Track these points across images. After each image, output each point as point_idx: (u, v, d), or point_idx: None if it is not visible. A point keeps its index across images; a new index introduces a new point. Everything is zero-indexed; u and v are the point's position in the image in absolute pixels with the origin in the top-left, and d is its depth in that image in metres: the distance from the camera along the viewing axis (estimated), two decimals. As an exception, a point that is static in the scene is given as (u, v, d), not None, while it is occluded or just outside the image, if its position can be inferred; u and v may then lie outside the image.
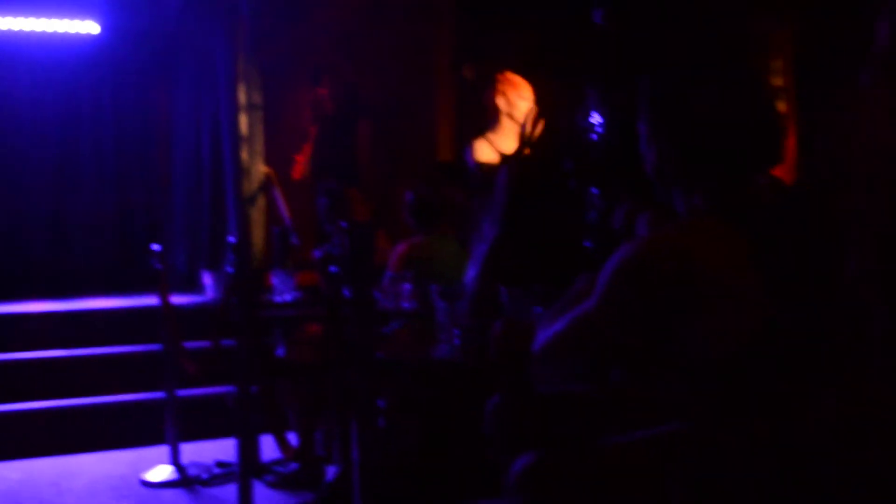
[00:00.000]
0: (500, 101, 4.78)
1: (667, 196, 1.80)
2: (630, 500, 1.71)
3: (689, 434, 1.68)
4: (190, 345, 4.57)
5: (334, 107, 6.82)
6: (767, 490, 1.59)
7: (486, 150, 4.84)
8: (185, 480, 4.27)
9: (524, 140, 3.65)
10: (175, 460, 4.40)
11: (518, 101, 4.76)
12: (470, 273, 3.10)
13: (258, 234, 6.21)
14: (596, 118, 2.90)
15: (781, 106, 5.87)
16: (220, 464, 4.41)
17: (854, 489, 1.63)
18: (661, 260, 1.61)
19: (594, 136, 2.93)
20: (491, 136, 4.82)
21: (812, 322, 1.63)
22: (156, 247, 4.66)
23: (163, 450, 4.52)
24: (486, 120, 4.87)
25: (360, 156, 6.76)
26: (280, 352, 4.34)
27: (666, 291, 1.60)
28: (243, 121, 6.67)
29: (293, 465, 4.09)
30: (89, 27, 7.59)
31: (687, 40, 3.40)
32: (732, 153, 1.70)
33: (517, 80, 4.84)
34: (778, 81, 5.84)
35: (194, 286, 7.18)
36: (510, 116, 4.74)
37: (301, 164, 6.99)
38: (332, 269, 3.33)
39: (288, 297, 4.06)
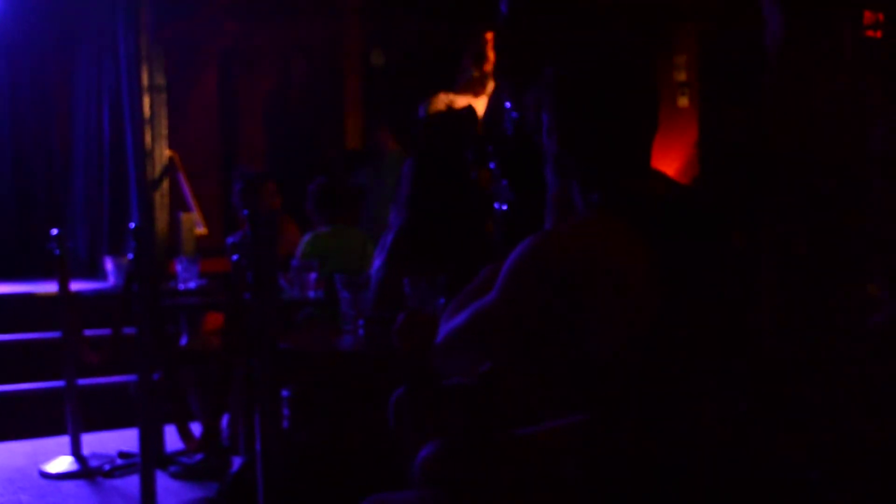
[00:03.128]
0: (476, 62, 4.64)
1: (567, 187, 1.83)
2: (530, 490, 1.74)
3: (585, 427, 1.71)
4: (91, 332, 4.48)
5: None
6: (659, 485, 1.63)
7: (441, 104, 4.74)
8: (86, 472, 4.18)
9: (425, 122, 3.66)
10: (76, 451, 4.32)
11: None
12: (375, 263, 3.11)
13: (162, 220, 6.11)
14: (509, 109, 2.93)
15: (684, 101, 6.02)
16: (122, 454, 4.34)
17: (740, 485, 1.68)
18: (557, 255, 1.64)
19: (508, 127, 2.95)
20: (452, 94, 4.72)
21: (703, 318, 1.67)
22: (54, 231, 4.54)
23: (63, 440, 4.43)
24: (456, 78, 4.77)
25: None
26: (183, 340, 4.29)
27: (562, 287, 1.63)
28: (146, 102, 6.56)
29: (197, 456, 4.05)
30: (-17, 0, 7.32)
31: (587, 31, 3.46)
32: (623, 139, 1.74)
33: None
34: (682, 77, 5.99)
35: (96, 272, 7.02)
36: (480, 77, 4.64)
37: None
38: (235, 257, 3.30)
39: (192, 284, 4.01)
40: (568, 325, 1.65)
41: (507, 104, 2.96)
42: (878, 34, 3.77)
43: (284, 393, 3.06)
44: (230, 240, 4.98)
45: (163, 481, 3.91)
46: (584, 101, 1.76)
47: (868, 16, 3.78)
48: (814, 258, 2.80)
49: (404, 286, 2.26)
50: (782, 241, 2.86)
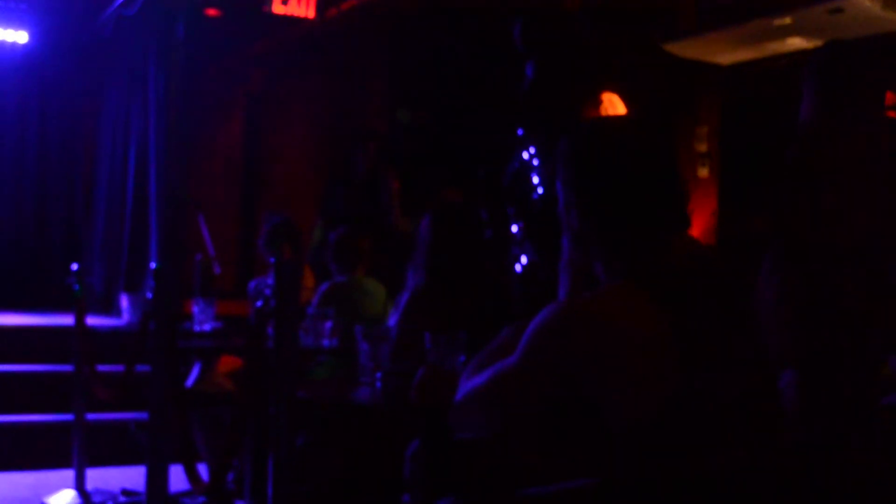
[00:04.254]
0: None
1: (587, 260, 1.85)
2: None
3: (597, 489, 1.72)
4: (103, 368, 4.50)
5: None
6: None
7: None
8: (87, 507, 4.18)
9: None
10: (79, 485, 4.31)
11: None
12: (393, 318, 3.13)
13: (180, 261, 6.14)
14: (536, 174, 2.97)
15: (704, 171, 6.07)
16: (125, 492, 4.33)
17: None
18: (580, 325, 1.67)
19: (533, 188, 2.99)
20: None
21: (725, 390, 1.69)
22: (74, 265, 4.58)
23: (68, 474, 4.42)
24: None
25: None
26: (189, 381, 4.29)
27: (584, 357, 1.65)
28: (172, 145, 6.62)
29: (201, 499, 4.03)
30: (17, 36, 7.44)
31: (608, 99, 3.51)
32: (642, 214, 1.76)
33: (617, 101, 4.82)
34: (702, 147, 6.05)
35: (111, 308, 7.06)
36: None
37: None
38: (258, 303, 3.32)
39: (207, 326, 4.02)
40: (587, 393, 1.67)
41: (535, 164, 3.01)
42: (898, 115, 3.82)
43: (298, 441, 3.06)
44: (252, 284, 5.01)
45: (166, 522, 3.89)
46: (605, 175, 1.78)
47: (890, 97, 3.83)
48: (834, 338, 2.81)
49: (425, 341, 2.28)
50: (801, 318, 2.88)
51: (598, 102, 3.46)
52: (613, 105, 3.47)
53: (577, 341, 1.65)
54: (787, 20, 5.05)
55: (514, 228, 3.09)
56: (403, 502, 2.28)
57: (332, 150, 8.09)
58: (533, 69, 3.69)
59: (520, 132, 3.55)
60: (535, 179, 3.33)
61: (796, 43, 5.38)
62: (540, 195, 2.96)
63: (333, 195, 6.42)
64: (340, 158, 7.58)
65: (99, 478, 4.53)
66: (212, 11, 7.19)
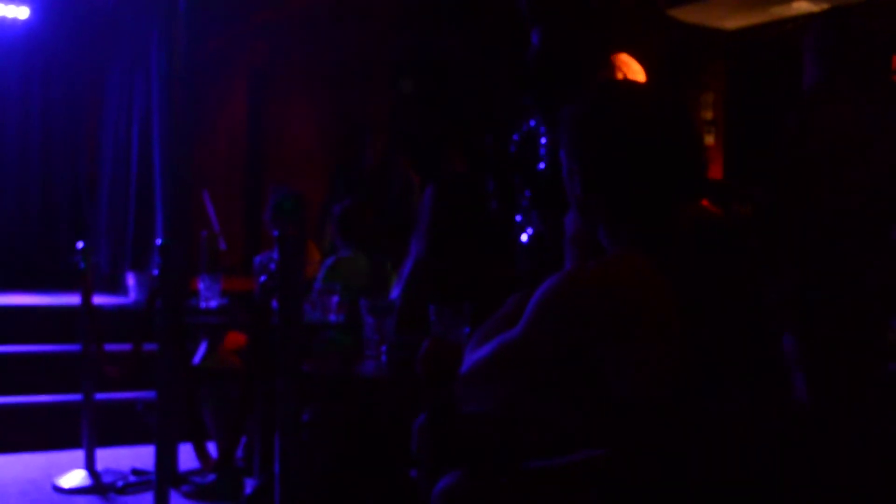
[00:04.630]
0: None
1: (592, 228, 1.82)
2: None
3: (605, 460, 1.71)
4: (111, 347, 4.50)
5: None
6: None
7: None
8: (98, 487, 4.18)
9: None
10: (90, 466, 4.32)
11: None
12: (394, 292, 3.11)
13: (186, 237, 6.12)
14: (543, 143, 2.93)
15: (710, 139, 6.02)
16: (135, 471, 4.33)
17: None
18: (584, 293, 1.64)
19: (540, 157, 2.96)
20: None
21: (729, 355, 1.67)
22: (79, 244, 4.56)
23: (77, 454, 4.43)
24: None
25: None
26: (196, 359, 4.29)
27: (588, 325, 1.63)
28: (175, 120, 6.59)
29: (211, 476, 4.04)
30: (18, 11, 7.40)
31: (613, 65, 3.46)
32: (652, 182, 1.72)
33: (632, 62, 4.75)
34: (708, 114, 5.99)
35: (117, 287, 7.05)
36: None
37: None
38: (262, 278, 3.31)
39: (213, 303, 4.01)
40: (593, 362, 1.65)
41: (542, 132, 2.97)
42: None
43: (304, 416, 3.05)
44: (257, 259, 5.00)
45: (175, 500, 3.90)
46: (609, 142, 1.74)
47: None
48: (836, 297, 2.79)
49: (429, 313, 2.26)
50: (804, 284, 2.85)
51: (612, 65, 3.41)
52: (629, 66, 3.43)
53: (582, 309, 1.63)
54: (793, -17, 4.99)
55: (521, 198, 3.05)
56: (411, 476, 2.27)
57: (336, 124, 8.05)
58: (539, 36, 3.64)
59: (526, 100, 3.50)
60: (542, 148, 3.29)
61: (802, 7, 5.32)
62: (546, 164, 2.92)
63: (341, 188, 6.38)
64: (344, 138, 7.55)
65: (109, 457, 4.54)
66: (213, -15, 7.12)
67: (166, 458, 3.49)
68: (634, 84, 1.94)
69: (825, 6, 5.30)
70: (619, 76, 3.02)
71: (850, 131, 2.82)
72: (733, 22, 5.70)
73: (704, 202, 2.65)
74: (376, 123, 7.18)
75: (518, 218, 3.38)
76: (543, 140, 3.20)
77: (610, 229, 1.77)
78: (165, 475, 3.47)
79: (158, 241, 4.03)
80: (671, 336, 1.61)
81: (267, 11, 7.89)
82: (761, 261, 2.87)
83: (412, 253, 3.21)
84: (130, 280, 6.84)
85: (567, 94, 2.51)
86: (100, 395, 4.48)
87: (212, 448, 4.09)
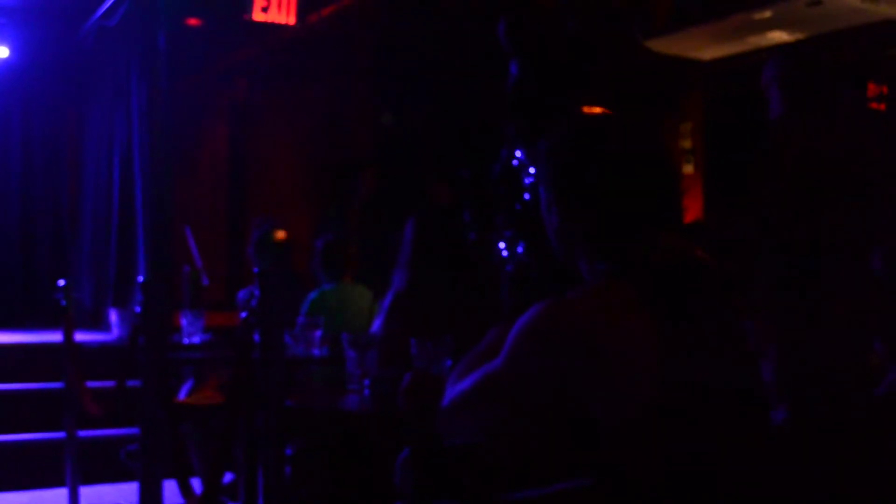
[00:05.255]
0: None
1: (570, 261, 1.84)
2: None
3: (589, 491, 1.72)
4: (93, 384, 4.47)
5: None
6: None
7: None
8: (82, 525, 4.15)
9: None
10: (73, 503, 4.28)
11: None
12: (375, 324, 3.12)
13: (168, 273, 6.12)
14: (525, 173, 2.96)
15: (689, 168, 6.08)
16: (119, 508, 4.31)
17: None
18: (564, 323, 1.66)
19: (525, 194, 2.98)
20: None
21: (707, 383, 1.68)
22: (61, 282, 4.55)
23: (61, 492, 4.39)
24: None
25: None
26: (181, 395, 4.28)
27: (568, 355, 1.64)
28: (156, 156, 6.59)
29: (196, 512, 4.01)
30: (-1, 50, 7.42)
31: (593, 96, 3.51)
32: (626, 212, 1.74)
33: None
34: (686, 144, 6.06)
35: (100, 323, 7.03)
36: None
37: None
38: (243, 314, 3.30)
39: (196, 339, 4.00)
40: (574, 391, 1.66)
41: (524, 163, 3.00)
42: (882, 107, 3.83)
43: (287, 451, 3.05)
44: (241, 294, 4.99)
45: (160, 537, 3.87)
46: (583, 172, 1.76)
47: (872, 88, 3.84)
48: (816, 323, 2.82)
49: (411, 347, 2.27)
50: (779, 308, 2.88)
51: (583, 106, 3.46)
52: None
53: (562, 338, 1.65)
54: (767, 14, 5.06)
55: (503, 229, 3.08)
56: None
57: (318, 158, 8.07)
58: (518, 67, 3.68)
59: (508, 131, 3.54)
60: (524, 179, 3.32)
61: (777, 36, 5.39)
62: (529, 195, 2.95)
63: (336, 221, 6.37)
64: (329, 172, 7.57)
65: (93, 495, 4.51)
66: (193, 21, 7.16)
67: (151, 494, 3.46)
68: (609, 116, 1.96)
69: (800, 36, 5.38)
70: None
71: (822, 160, 2.86)
72: (710, 52, 5.77)
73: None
74: (360, 157, 7.20)
75: (502, 247, 3.40)
76: (524, 171, 3.23)
77: (588, 260, 1.79)
78: (150, 513, 3.44)
79: (141, 278, 4.03)
80: (650, 366, 1.62)
81: (247, 47, 7.93)
82: (739, 290, 2.89)
83: (394, 285, 3.23)
84: (113, 317, 6.85)
85: (544, 124, 2.54)
86: (83, 433, 4.45)
87: (196, 484, 4.07)
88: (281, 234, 4.90)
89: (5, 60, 7.46)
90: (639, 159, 1.77)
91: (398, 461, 2.20)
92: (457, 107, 6.74)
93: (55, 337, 4.65)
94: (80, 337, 4.68)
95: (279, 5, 7.10)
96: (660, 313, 1.66)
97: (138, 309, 3.76)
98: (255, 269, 2.51)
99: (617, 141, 1.78)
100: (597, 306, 1.67)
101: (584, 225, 1.77)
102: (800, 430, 2.78)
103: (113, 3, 6.61)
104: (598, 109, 3.23)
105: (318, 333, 3.65)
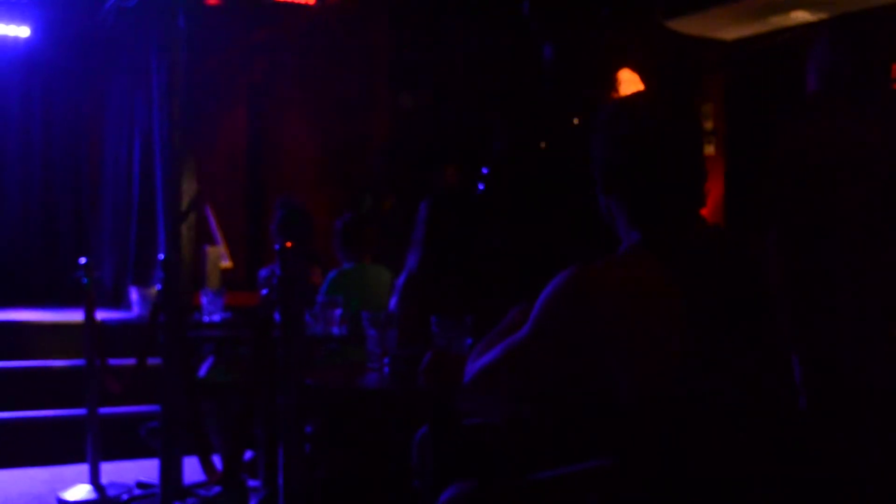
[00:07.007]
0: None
1: (612, 227, 1.86)
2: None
3: (610, 470, 1.72)
4: (114, 362, 4.51)
5: None
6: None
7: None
8: (103, 501, 4.19)
9: None
10: (94, 480, 4.32)
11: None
12: (392, 301, 3.12)
13: (188, 252, 6.14)
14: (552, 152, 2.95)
15: (710, 149, 6.04)
16: (140, 485, 4.34)
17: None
18: (590, 290, 1.66)
19: (546, 174, 2.97)
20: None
21: (733, 361, 1.68)
22: (82, 260, 4.59)
23: (82, 468, 4.44)
24: None
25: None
26: (201, 372, 4.31)
27: (594, 321, 1.64)
28: (176, 136, 6.61)
29: (216, 489, 4.05)
30: (19, 31, 7.43)
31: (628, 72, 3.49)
32: (657, 186, 1.76)
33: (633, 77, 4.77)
34: (708, 125, 6.02)
35: (120, 302, 7.07)
36: None
37: None
38: (264, 291, 3.32)
39: (216, 317, 4.03)
40: (598, 361, 1.65)
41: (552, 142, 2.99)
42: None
43: (307, 428, 3.06)
44: (262, 272, 5.01)
45: (181, 513, 3.91)
46: (618, 147, 1.79)
47: (896, 69, 3.77)
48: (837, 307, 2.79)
49: (426, 324, 2.27)
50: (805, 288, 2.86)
51: (617, 82, 3.44)
52: (633, 83, 3.45)
53: (590, 306, 1.64)
54: (791, -7, 5.03)
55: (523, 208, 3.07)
56: (413, 487, 2.28)
57: (336, 136, 8.07)
58: (552, 50, 3.66)
59: (539, 110, 3.52)
60: (551, 157, 3.30)
61: (801, 16, 5.34)
62: (551, 175, 2.93)
63: (368, 201, 6.36)
64: (345, 148, 7.57)
65: (114, 471, 4.55)
66: (212, 0, 7.16)
67: (171, 471, 3.50)
68: (648, 95, 1.97)
69: (823, 16, 5.33)
70: (624, 90, 3.05)
71: (848, 143, 2.83)
72: (732, 32, 5.73)
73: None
74: (377, 137, 7.20)
75: (520, 229, 3.39)
76: (551, 150, 3.21)
77: (624, 229, 1.81)
78: (170, 488, 3.48)
79: (161, 256, 4.05)
80: (676, 336, 1.62)
81: (266, 28, 7.92)
82: (763, 270, 2.87)
83: (407, 265, 3.23)
84: (134, 295, 6.89)
85: (584, 104, 2.54)
86: (104, 410, 4.49)
87: (217, 461, 4.11)
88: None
89: (27, 40, 7.47)
90: (667, 136, 1.78)
91: (416, 439, 2.21)
92: (476, 86, 6.72)
93: (77, 315, 4.68)
94: (100, 315, 4.71)
95: (299, -15, 7.10)
96: (688, 283, 1.65)
97: (159, 287, 3.79)
98: (276, 247, 2.51)
99: (647, 118, 1.80)
100: (625, 273, 1.68)
101: (617, 195, 1.79)
102: (819, 416, 2.76)
103: (133, -18, 6.61)
104: (634, 87, 3.22)
105: (338, 312, 3.66)
